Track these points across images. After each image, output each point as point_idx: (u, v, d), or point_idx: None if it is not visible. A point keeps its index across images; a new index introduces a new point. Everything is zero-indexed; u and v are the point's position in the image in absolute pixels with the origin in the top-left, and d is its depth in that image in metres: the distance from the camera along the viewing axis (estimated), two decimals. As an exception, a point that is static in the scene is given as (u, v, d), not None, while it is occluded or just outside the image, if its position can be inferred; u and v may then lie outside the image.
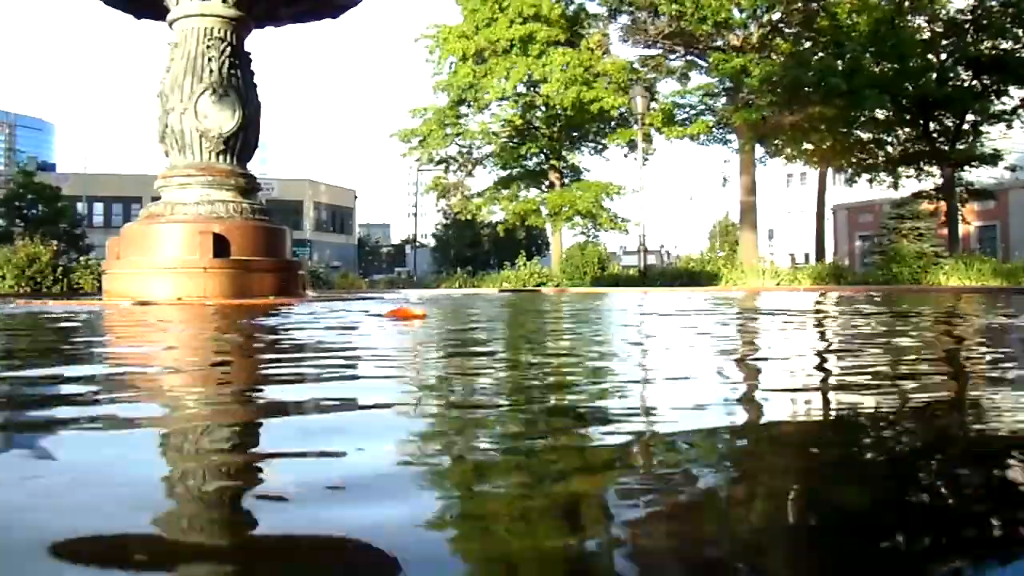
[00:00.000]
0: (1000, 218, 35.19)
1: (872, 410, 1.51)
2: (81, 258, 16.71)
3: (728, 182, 29.34)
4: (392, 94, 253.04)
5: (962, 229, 24.67)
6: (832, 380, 1.99)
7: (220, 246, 7.86)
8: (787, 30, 23.93)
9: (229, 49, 8.42)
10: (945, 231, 22.31)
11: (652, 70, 25.58)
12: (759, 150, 25.48)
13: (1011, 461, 1.07)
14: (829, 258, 27.48)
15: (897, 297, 9.48)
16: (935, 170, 23.22)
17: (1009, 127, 22.20)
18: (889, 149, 24.32)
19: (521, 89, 24.80)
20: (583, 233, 25.45)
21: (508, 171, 26.98)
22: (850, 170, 25.92)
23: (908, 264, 17.18)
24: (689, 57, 25.54)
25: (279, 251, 8.71)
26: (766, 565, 0.69)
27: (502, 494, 0.90)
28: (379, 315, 4.77)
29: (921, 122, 22.13)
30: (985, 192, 24.71)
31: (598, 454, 1.10)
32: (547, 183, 26.64)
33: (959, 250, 21.06)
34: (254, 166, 9.34)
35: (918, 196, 22.09)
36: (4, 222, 34.26)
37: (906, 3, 21.34)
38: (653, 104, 23.30)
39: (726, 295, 11.37)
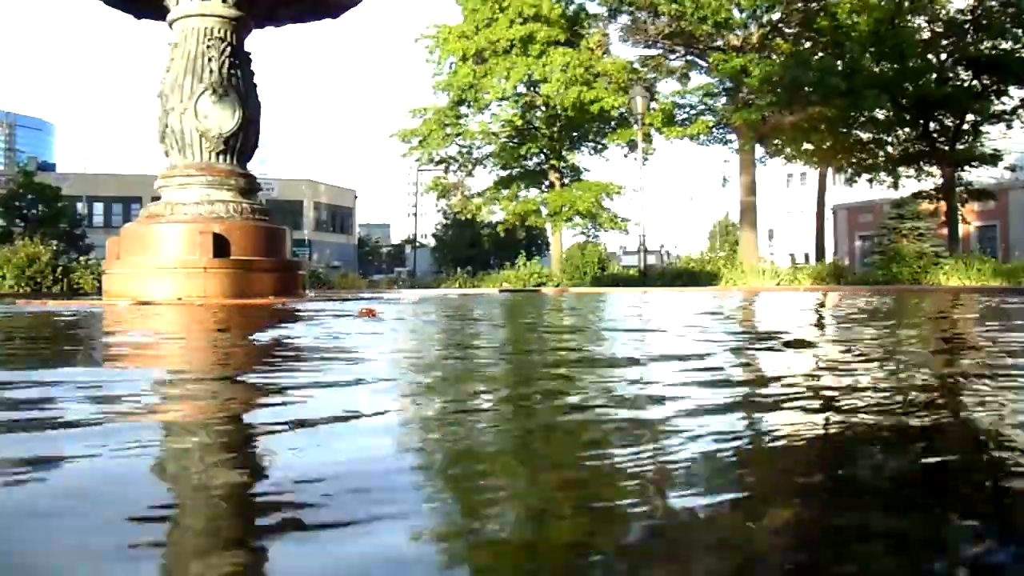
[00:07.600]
0: (1000, 218, 35.15)
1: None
2: (81, 258, 16.69)
3: (728, 182, 29.31)
4: (392, 94, 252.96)
5: (962, 229, 24.64)
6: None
7: (220, 246, 7.85)
8: (787, 30, 23.90)
9: (229, 49, 8.41)
10: (945, 231, 22.27)
11: (652, 70, 25.56)
12: (759, 150, 25.46)
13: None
14: (829, 258, 27.40)
15: (897, 296, 9.48)
16: (935, 170, 23.18)
17: (1009, 127, 22.15)
18: (889, 149, 24.28)
19: (521, 89, 24.78)
20: (583, 233, 25.46)
21: (508, 171, 26.95)
22: (850, 170, 25.87)
23: (908, 264, 17.14)
24: (689, 57, 25.53)
25: (279, 251, 8.70)
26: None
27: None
28: None
29: (921, 122, 22.10)
30: (985, 192, 24.66)
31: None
32: (547, 183, 26.61)
33: (959, 250, 21.02)
34: (254, 166, 9.33)
35: (918, 196, 22.03)
36: (4, 222, 34.16)
37: (906, 3, 21.30)
38: (653, 104, 23.27)
39: (725, 295, 11.36)
